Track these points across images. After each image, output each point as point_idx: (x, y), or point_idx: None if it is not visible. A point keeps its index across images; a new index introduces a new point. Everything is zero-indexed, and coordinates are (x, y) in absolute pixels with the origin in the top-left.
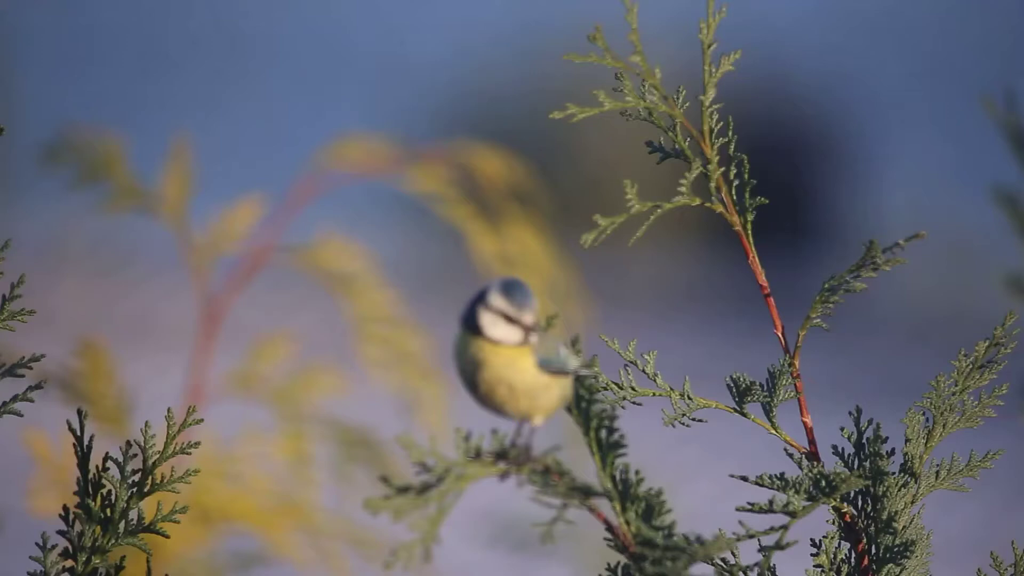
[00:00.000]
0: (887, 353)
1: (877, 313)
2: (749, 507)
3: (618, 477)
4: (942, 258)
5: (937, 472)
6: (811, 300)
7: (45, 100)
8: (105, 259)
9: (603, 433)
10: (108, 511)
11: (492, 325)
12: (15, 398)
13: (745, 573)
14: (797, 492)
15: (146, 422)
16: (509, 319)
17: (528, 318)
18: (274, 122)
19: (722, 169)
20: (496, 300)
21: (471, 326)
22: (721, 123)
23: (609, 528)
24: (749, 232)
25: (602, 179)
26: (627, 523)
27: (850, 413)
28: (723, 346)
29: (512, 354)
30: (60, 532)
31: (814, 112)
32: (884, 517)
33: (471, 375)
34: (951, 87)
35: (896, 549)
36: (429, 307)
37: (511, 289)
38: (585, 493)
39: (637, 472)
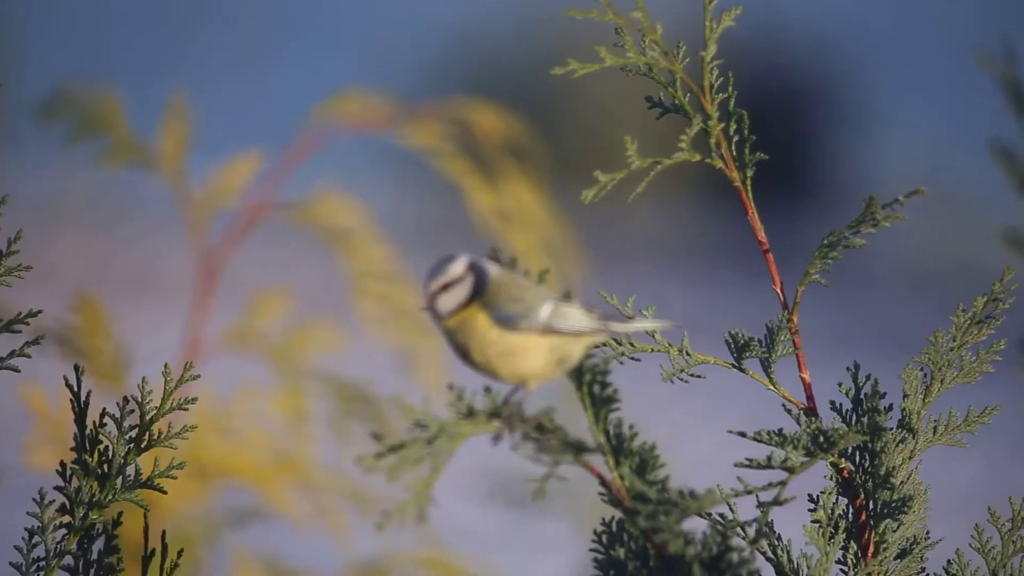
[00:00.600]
0: (886, 307)
1: (876, 267)
2: (747, 463)
3: (611, 432)
4: (941, 212)
5: (935, 428)
6: (810, 255)
7: (45, 56)
8: (103, 214)
9: (596, 388)
10: (105, 467)
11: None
12: (12, 353)
13: (743, 529)
14: (795, 448)
15: (143, 378)
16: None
17: (431, 287)
18: (272, 78)
19: (722, 125)
20: None
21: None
22: (721, 79)
23: (603, 483)
24: (749, 188)
25: (600, 132)
26: (621, 478)
27: (848, 369)
28: (721, 299)
29: (459, 318)
30: (57, 488)
31: (814, 67)
32: (882, 473)
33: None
34: (951, 40)
35: (894, 504)
36: (426, 262)
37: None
38: (578, 449)
39: (631, 427)
